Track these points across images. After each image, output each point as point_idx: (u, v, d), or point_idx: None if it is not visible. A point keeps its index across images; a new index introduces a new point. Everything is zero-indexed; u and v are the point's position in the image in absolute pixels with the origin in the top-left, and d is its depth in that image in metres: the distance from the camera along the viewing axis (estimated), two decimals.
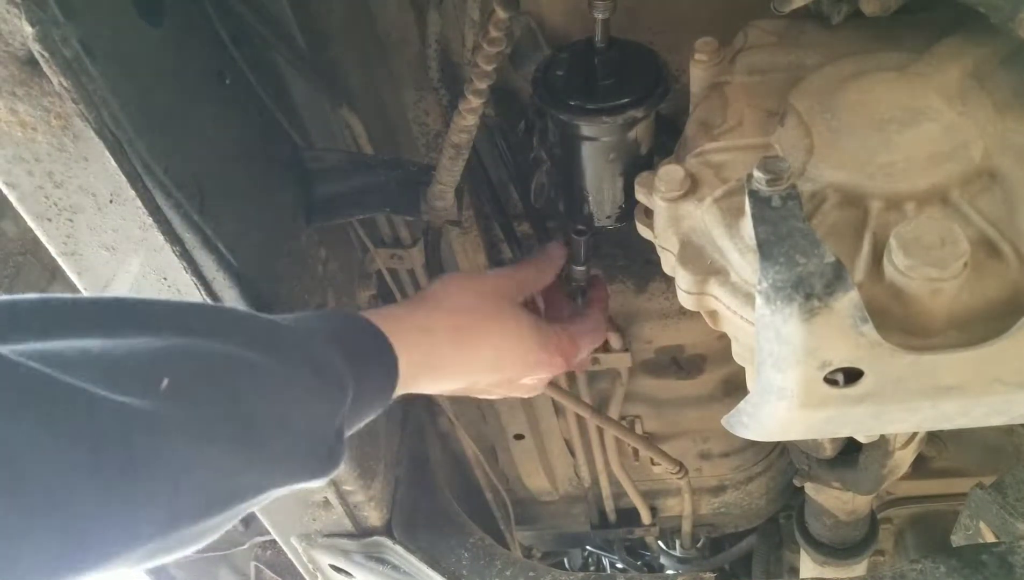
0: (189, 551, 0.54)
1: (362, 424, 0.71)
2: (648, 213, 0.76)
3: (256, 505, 0.59)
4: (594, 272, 1.09)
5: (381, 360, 0.71)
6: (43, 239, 0.76)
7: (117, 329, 0.51)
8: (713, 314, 0.68)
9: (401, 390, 0.73)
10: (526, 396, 0.94)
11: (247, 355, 0.57)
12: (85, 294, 0.56)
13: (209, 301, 0.79)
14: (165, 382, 0.49)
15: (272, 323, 0.63)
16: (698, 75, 0.79)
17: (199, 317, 0.57)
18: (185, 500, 0.50)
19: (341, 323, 0.70)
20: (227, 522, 0.56)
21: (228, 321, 0.59)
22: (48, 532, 0.42)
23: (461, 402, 1.43)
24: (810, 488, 1.30)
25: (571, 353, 0.91)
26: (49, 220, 0.74)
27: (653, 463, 1.65)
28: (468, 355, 0.81)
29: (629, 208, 0.86)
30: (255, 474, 0.56)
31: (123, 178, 0.68)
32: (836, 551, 1.38)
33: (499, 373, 0.85)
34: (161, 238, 0.73)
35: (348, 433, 0.66)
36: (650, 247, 0.77)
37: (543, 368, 0.88)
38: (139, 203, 0.70)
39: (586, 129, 0.83)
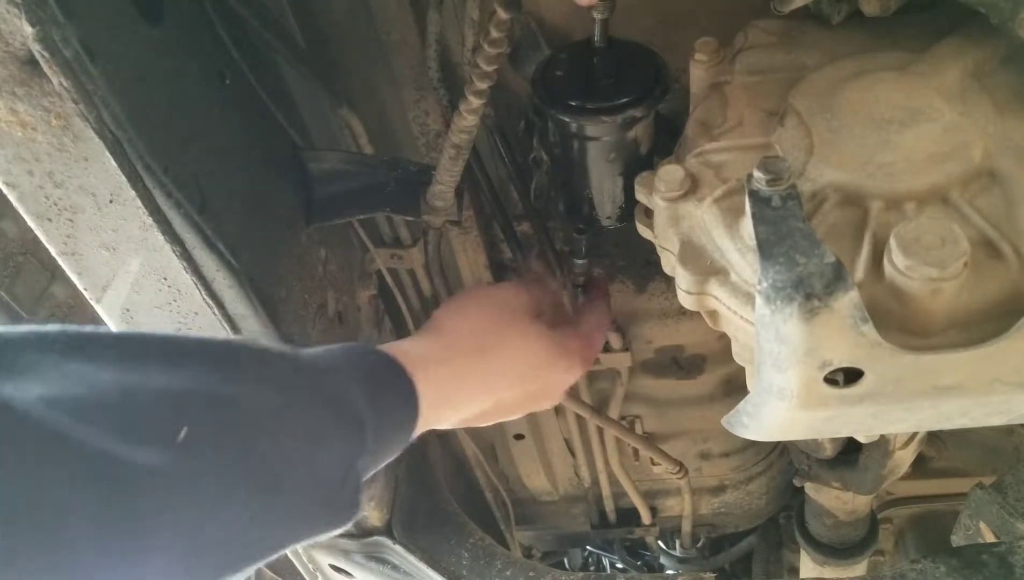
0: None
1: (382, 465, 0.69)
2: (648, 213, 0.76)
3: (274, 557, 0.58)
4: (596, 271, 1.09)
5: (402, 400, 0.70)
6: (43, 239, 0.76)
7: (138, 364, 0.50)
8: (713, 314, 0.68)
9: (423, 428, 0.72)
10: (546, 407, 0.93)
11: (268, 399, 0.56)
12: (104, 328, 0.55)
13: (210, 301, 0.80)
14: (184, 432, 0.48)
15: (294, 361, 0.61)
16: (698, 75, 0.79)
17: (221, 354, 0.56)
18: (200, 560, 0.49)
19: (363, 360, 0.69)
20: (245, 575, 0.55)
21: (251, 359, 0.58)
22: None
23: None
24: (810, 488, 1.30)
25: (588, 353, 0.91)
26: (49, 220, 0.74)
27: (653, 463, 1.65)
28: (495, 374, 0.81)
29: (629, 208, 0.86)
30: (273, 529, 0.55)
31: (123, 178, 0.68)
32: (836, 551, 1.38)
33: (526, 385, 0.84)
34: (161, 238, 0.73)
35: (366, 476, 0.65)
36: (650, 247, 0.77)
37: (567, 372, 0.88)
38: (139, 203, 0.70)
39: (586, 129, 0.83)
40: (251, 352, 0.59)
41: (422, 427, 0.72)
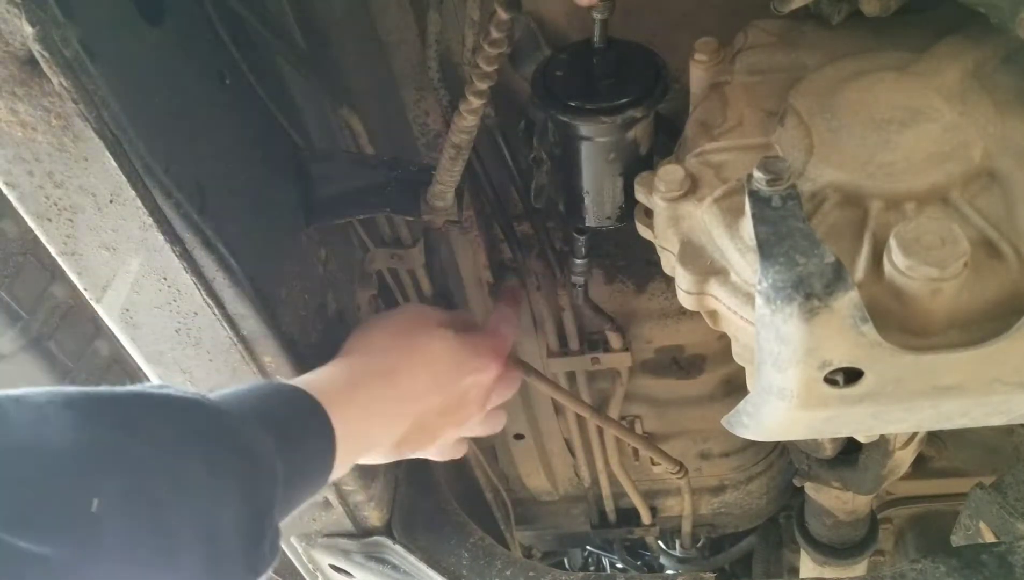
0: None
1: (298, 507, 0.69)
2: (648, 213, 0.76)
3: None
4: (510, 280, 1.10)
5: (317, 436, 0.69)
6: (43, 239, 0.76)
7: (47, 423, 0.49)
8: (713, 314, 0.68)
9: (343, 461, 0.72)
10: (474, 418, 0.94)
11: (176, 457, 0.54)
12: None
13: (210, 301, 0.80)
14: (95, 504, 0.47)
15: (203, 410, 0.60)
16: (698, 75, 0.79)
17: (128, 408, 0.55)
18: None
19: (274, 399, 0.68)
20: None
21: (158, 412, 0.57)
22: None
23: None
24: (810, 488, 1.30)
25: (499, 349, 0.93)
26: (49, 220, 0.74)
27: (653, 463, 1.65)
28: (405, 389, 0.82)
29: (629, 208, 0.86)
30: None
31: (123, 178, 0.68)
32: (836, 551, 1.38)
33: (440, 395, 0.85)
34: (161, 238, 0.73)
35: (282, 519, 0.64)
36: (650, 247, 0.77)
37: (480, 373, 0.89)
38: (139, 203, 0.70)
39: (585, 129, 0.83)
40: (158, 403, 0.58)
41: (342, 460, 0.71)
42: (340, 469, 0.72)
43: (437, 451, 0.92)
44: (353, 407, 0.74)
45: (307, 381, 0.74)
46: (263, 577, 0.61)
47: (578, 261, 1.05)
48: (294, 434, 0.66)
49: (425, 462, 1.35)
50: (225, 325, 0.83)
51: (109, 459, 0.50)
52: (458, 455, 0.98)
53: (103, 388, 0.56)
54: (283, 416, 0.67)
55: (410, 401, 0.82)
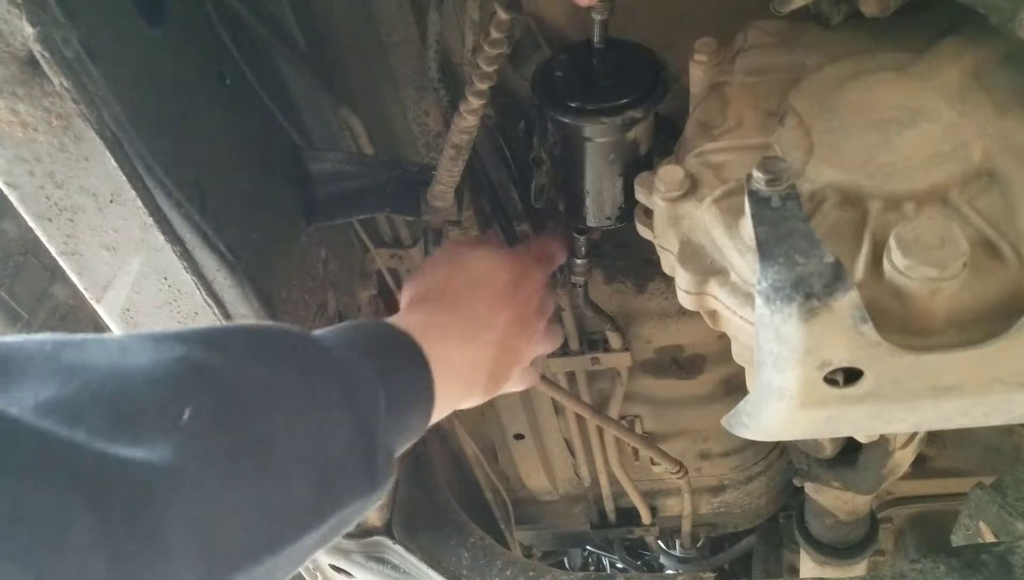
0: None
1: (406, 442, 0.68)
2: (648, 213, 0.76)
3: (322, 541, 0.56)
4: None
5: (416, 367, 0.70)
6: (43, 239, 0.76)
7: (130, 351, 0.48)
8: (713, 314, 0.68)
9: (446, 394, 0.72)
10: (546, 346, 0.95)
11: (273, 375, 0.54)
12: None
13: (210, 301, 0.80)
14: (187, 413, 0.46)
15: (300, 337, 0.60)
16: (698, 75, 0.79)
17: (220, 336, 0.54)
18: (223, 551, 0.47)
19: (372, 335, 0.69)
20: (291, 565, 0.53)
21: (249, 337, 0.57)
22: None
23: None
24: (810, 488, 1.30)
25: (540, 253, 0.95)
26: (50, 220, 0.74)
27: (653, 463, 1.65)
28: (473, 313, 0.82)
29: (629, 208, 0.86)
30: (295, 505, 0.53)
31: (123, 178, 0.68)
32: (836, 551, 1.38)
33: (503, 306, 0.85)
34: (161, 238, 0.73)
35: (397, 449, 0.64)
36: (650, 247, 0.77)
37: (531, 275, 0.90)
38: (139, 203, 0.70)
39: (585, 130, 0.83)
40: (247, 330, 0.58)
41: (443, 394, 0.71)
42: (443, 406, 0.72)
43: (519, 378, 0.92)
44: (439, 342, 0.73)
45: (391, 322, 0.74)
46: (380, 492, 0.60)
47: (578, 261, 1.05)
48: (393, 365, 0.67)
49: (425, 462, 1.35)
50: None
51: (201, 376, 0.49)
52: (535, 381, 0.98)
53: (190, 328, 0.56)
54: (380, 347, 0.67)
55: (482, 325, 0.82)
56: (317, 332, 0.65)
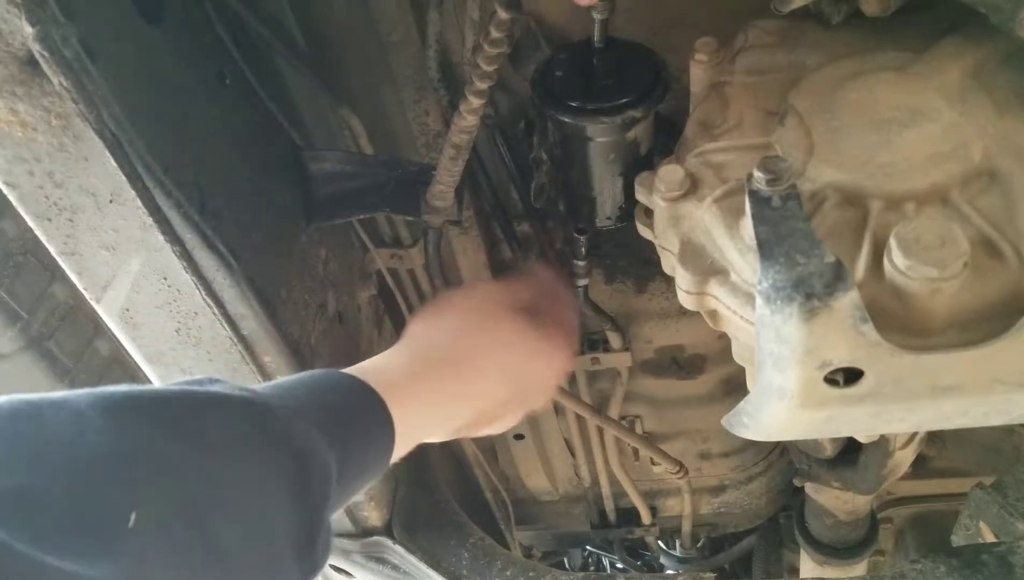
0: None
1: (355, 496, 0.67)
2: (648, 213, 0.76)
3: None
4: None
5: (377, 427, 0.66)
6: (43, 239, 0.76)
7: (85, 430, 0.47)
8: (713, 314, 0.68)
9: (401, 450, 0.69)
10: (540, 404, 0.88)
11: (221, 466, 0.52)
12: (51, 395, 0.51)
13: (210, 301, 0.80)
14: (133, 518, 0.45)
15: (251, 409, 0.57)
16: (698, 75, 0.79)
17: (173, 407, 0.53)
18: None
19: (331, 391, 0.65)
20: None
21: (204, 411, 0.54)
22: None
23: None
24: (810, 488, 1.30)
25: (572, 336, 0.87)
26: (49, 220, 0.74)
27: (653, 463, 1.65)
28: (472, 382, 0.77)
29: (629, 208, 0.86)
30: None
31: (123, 178, 0.68)
32: (836, 551, 1.38)
33: (508, 385, 0.80)
34: (161, 238, 0.73)
35: (335, 512, 0.62)
36: (650, 247, 0.77)
37: (553, 363, 0.83)
38: (139, 203, 0.70)
39: (585, 129, 0.83)
40: (203, 404, 0.55)
41: (400, 450, 0.68)
42: (396, 457, 0.69)
43: (495, 429, 0.86)
44: (414, 400, 0.70)
45: (367, 369, 0.70)
46: (315, 576, 0.59)
47: (579, 263, 1.05)
48: (352, 428, 0.63)
49: (425, 462, 1.35)
50: (225, 325, 0.83)
51: (149, 467, 0.48)
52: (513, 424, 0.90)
53: (147, 388, 0.53)
54: (339, 409, 0.64)
55: (475, 396, 0.77)
56: (268, 389, 0.61)
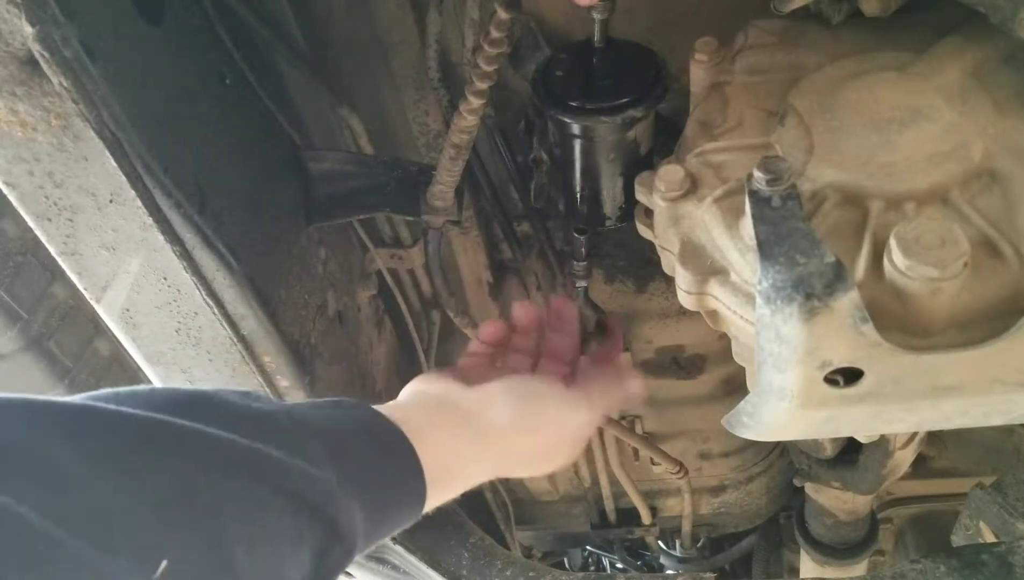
0: None
1: (386, 537, 0.66)
2: (648, 213, 0.76)
3: None
4: (608, 320, 1.01)
5: (407, 492, 0.65)
6: (43, 239, 0.76)
7: (127, 458, 0.47)
8: (713, 314, 0.68)
9: (433, 502, 0.69)
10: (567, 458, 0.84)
11: (251, 507, 0.52)
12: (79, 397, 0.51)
13: (210, 301, 0.79)
14: (163, 566, 0.45)
15: (304, 476, 0.56)
16: (698, 75, 0.79)
17: (208, 444, 0.52)
18: None
19: (369, 448, 0.63)
20: None
21: (250, 464, 0.53)
22: None
23: None
24: (810, 488, 1.30)
25: (603, 411, 0.82)
26: (49, 220, 0.74)
27: (653, 463, 1.65)
28: (510, 466, 0.77)
29: (629, 208, 0.86)
30: None
31: (123, 178, 0.68)
32: (836, 551, 1.38)
33: (539, 468, 0.79)
34: (161, 238, 0.73)
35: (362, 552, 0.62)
36: (650, 247, 0.77)
37: (582, 441, 0.81)
38: (139, 203, 0.70)
39: (585, 129, 0.83)
40: (261, 459, 0.54)
41: (432, 502, 0.68)
42: (429, 507, 0.69)
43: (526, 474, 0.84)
44: (458, 465, 0.70)
45: (405, 417, 0.67)
46: None
47: (578, 264, 1.05)
48: (388, 499, 0.63)
49: None
50: (225, 325, 0.83)
51: (180, 515, 0.48)
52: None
53: (200, 428, 0.53)
54: (376, 471, 0.62)
55: (508, 472, 0.78)
56: (305, 429, 0.59)
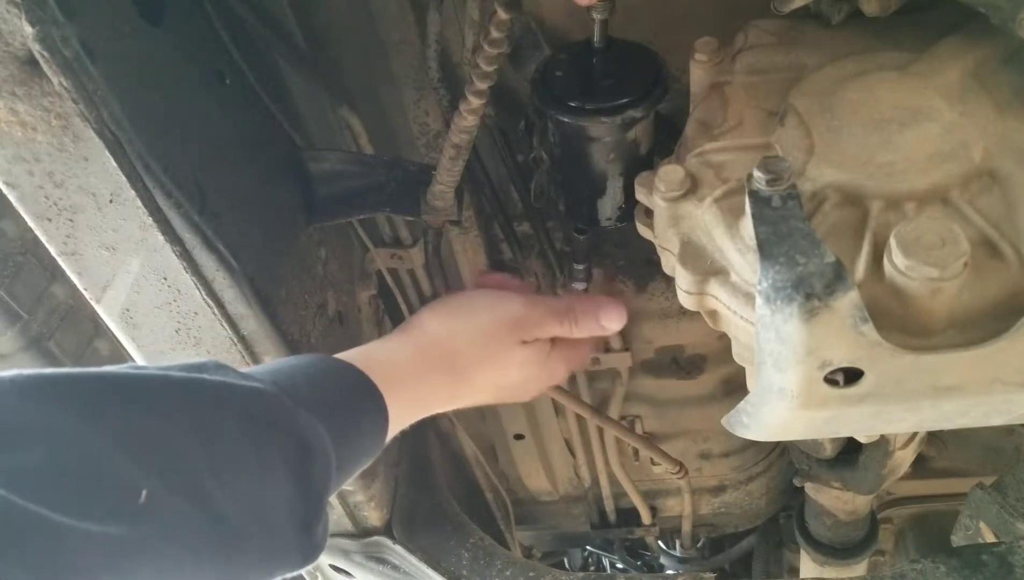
0: None
1: (350, 479, 0.70)
2: (648, 213, 0.76)
3: None
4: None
5: (371, 418, 0.69)
6: (43, 239, 0.76)
7: (95, 409, 0.49)
8: (713, 314, 0.68)
9: (393, 433, 0.73)
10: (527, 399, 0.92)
11: (227, 449, 0.54)
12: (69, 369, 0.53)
13: (210, 301, 0.80)
14: (144, 495, 0.48)
15: (258, 399, 0.59)
16: (698, 75, 0.79)
17: (180, 393, 0.55)
18: None
19: (330, 380, 0.68)
20: None
21: (211, 398, 0.56)
22: None
23: None
24: (810, 488, 1.30)
25: (574, 360, 0.88)
26: (49, 220, 0.74)
27: (653, 463, 1.65)
28: (465, 395, 0.81)
29: (629, 208, 0.86)
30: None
31: (123, 178, 0.68)
32: (836, 551, 1.38)
33: (496, 397, 0.85)
34: (161, 238, 0.73)
35: (332, 493, 0.65)
36: (650, 247, 0.77)
37: (542, 386, 0.88)
38: (139, 203, 0.70)
39: (585, 129, 0.83)
40: (208, 392, 0.57)
41: (391, 434, 0.72)
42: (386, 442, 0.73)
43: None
44: (408, 397, 0.74)
45: (371, 357, 0.73)
46: (313, 562, 0.61)
47: (578, 266, 1.04)
48: (350, 420, 0.67)
49: (425, 463, 1.35)
50: (225, 325, 0.83)
51: (159, 453, 0.51)
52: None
53: (155, 373, 0.56)
54: (340, 401, 0.67)
55: (462, 401, 0.82)
56: (270, 373, 0.64)
